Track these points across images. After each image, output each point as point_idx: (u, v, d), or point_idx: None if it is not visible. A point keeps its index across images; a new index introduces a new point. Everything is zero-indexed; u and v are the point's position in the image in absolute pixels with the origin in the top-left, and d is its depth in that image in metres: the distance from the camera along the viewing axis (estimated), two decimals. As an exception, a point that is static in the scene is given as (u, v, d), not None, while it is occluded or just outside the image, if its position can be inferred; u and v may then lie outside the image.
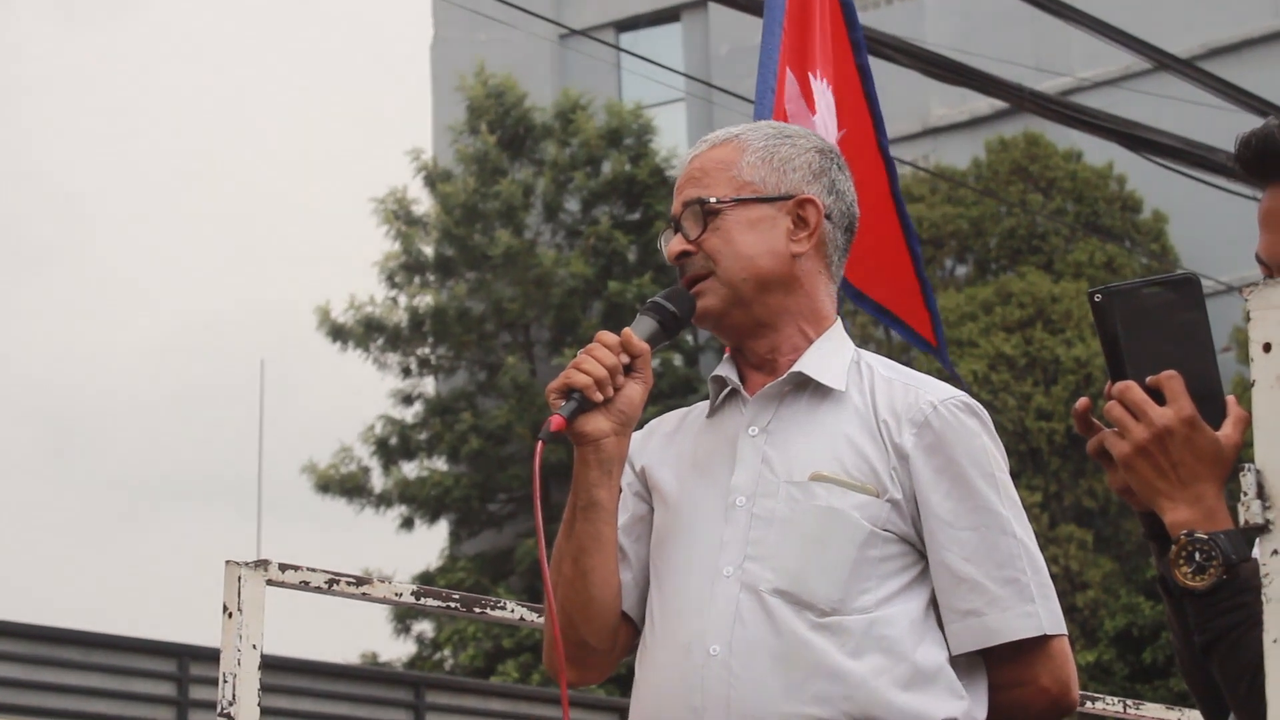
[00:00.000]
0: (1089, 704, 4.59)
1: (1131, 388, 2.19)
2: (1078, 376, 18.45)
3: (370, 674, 16.33)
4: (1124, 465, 2.20)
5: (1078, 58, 21.35)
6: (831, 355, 2.84)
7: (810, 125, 4.99)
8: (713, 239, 2.83)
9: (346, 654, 24.46)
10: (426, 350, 23.76)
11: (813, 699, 2.64)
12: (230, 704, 3.27)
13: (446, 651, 21.87)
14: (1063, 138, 20.25)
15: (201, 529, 39.14)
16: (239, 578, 3.36)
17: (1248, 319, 1.91)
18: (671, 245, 2.88)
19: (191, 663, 12.70)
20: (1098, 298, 2.25)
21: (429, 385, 24.04)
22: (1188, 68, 11.73)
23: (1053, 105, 11.55)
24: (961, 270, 20.49)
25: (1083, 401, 2.27)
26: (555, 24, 18.99)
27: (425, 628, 22.78)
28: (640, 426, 2.94)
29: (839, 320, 2.92)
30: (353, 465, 23.17)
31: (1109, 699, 4.69)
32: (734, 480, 2.78)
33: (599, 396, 2.74)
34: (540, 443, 2.70)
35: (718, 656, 2.68)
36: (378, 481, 23.17)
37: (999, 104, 22.34)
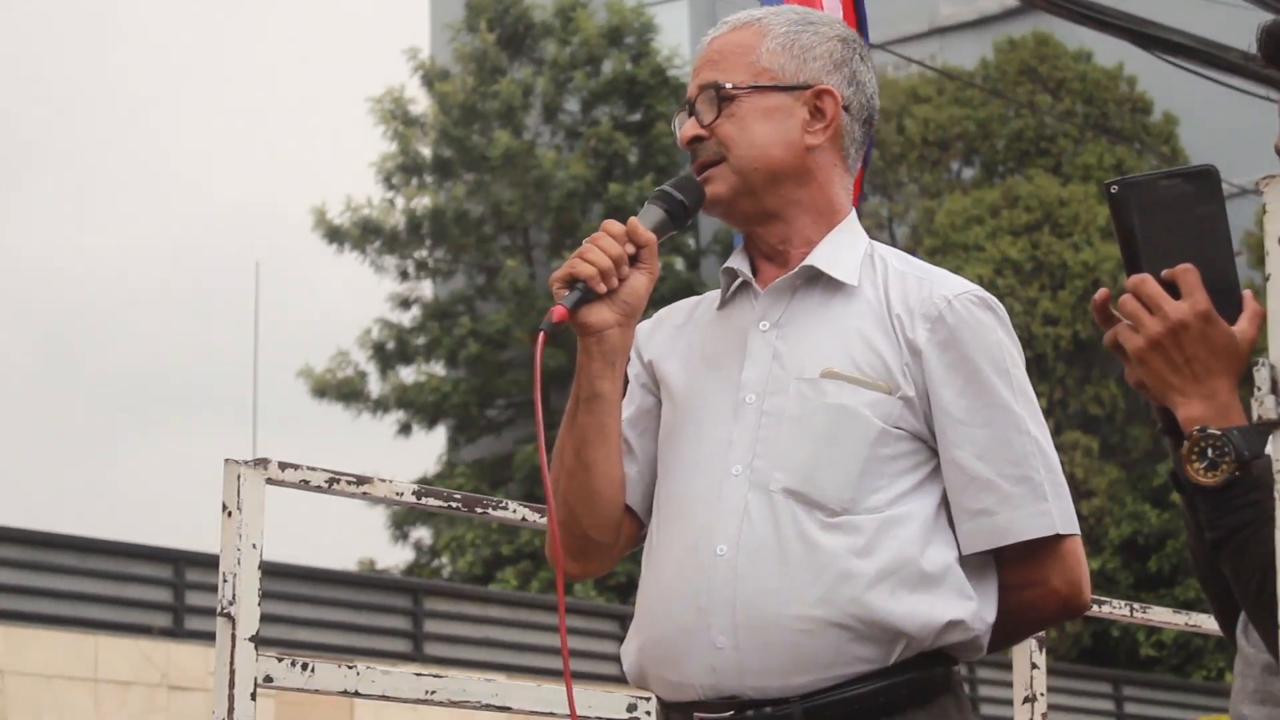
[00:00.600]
0: (1097, 607, 4.57)
1: (1146, 280, 2.14)
2: (1085, 281, 18.29)
3: (369, 580, 16.28)
4: (1138, 359, 2.16)
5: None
6: (844, 248, 2.78)
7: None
8: (726, 125, 2.77)
9: (344, 560, 24.41)
10: (424, 253, 23.62)
11: (819, 600, 2.60)
12: (230, 603, 3.25)
13: (445, 558, 21.84)
14: (1072, 37, 20.00)
15: (197, 434, 39.15)
16: (238, 476, 3.32)
17: (1264, 211, 1.87)
18: (685, 129, 2.80)
19: (188, 568, 12.62)
20: (1114, 189, 2.17)
21: (427, 289, 23.91)
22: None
23: (1062, 2, 11.29)
24: (968, 173, 20.30)
25: (1101, 292, 2.19)
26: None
27: (423, 534, 22.74)
28: (648, 317, 2.89)
29: (853, 212, 2.86)
30: (349, 370, 23.08)
31: (1116, 602, 4.66)
32: (744, 376, 2.73)
33: (603, 287, 2.66)
34: (542, 333, 2.62)
35: (725, 556, 2.64)
36: (375, 386, 23.11)
37: (1008, 2, 22.08)
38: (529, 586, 20.00)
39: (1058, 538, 2.66)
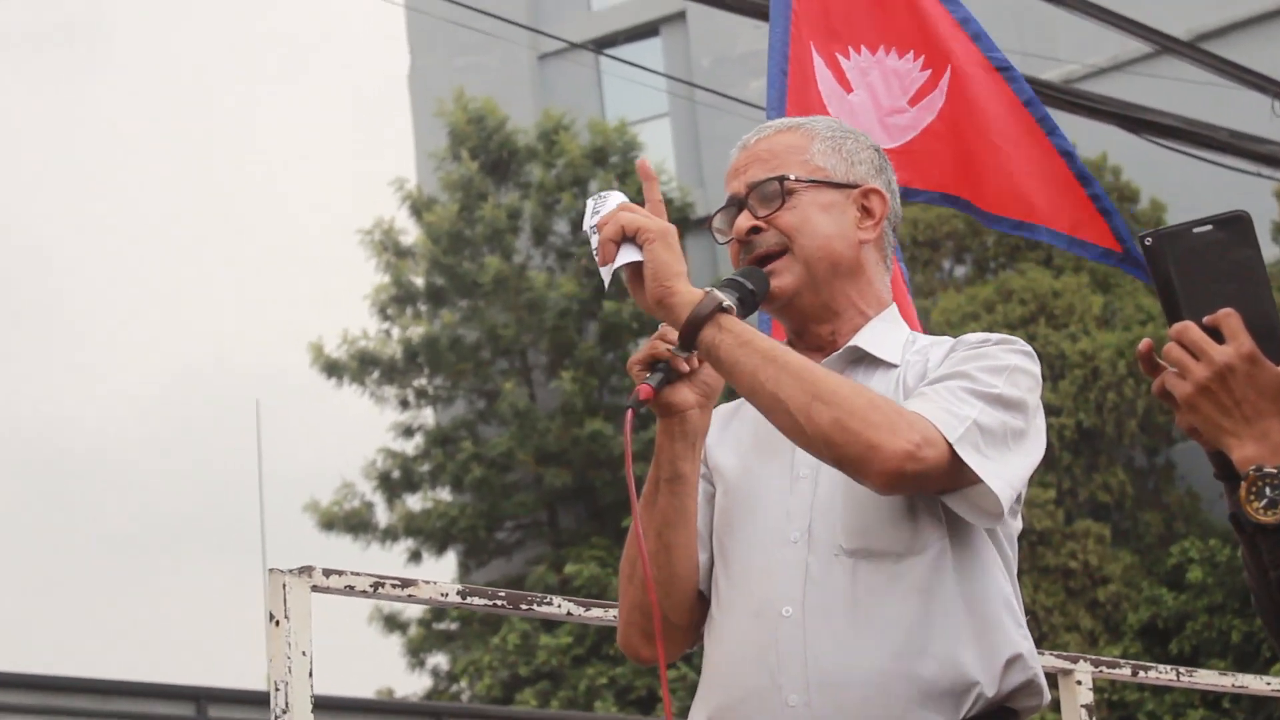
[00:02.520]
0: (1142, 674, 4.55)
1: (1189, 328, 2.18)
2: (1085, 370, 18.31)
3: (391, 707, 16.16)
4: (1187, 405, 2.19)
5: (1064, 48, 21.24)
6: (887, 334, 2.88)
7: (847, 105, 4.93)
8: (788, 216, 2.86)
9: (361, 690, 24.20)
10: (423, 381, 23.63)
11: (890, 654, 2.64)
12: (284, 712, 3.19)
13: (463, 683, 21.70)
14: (1054, 131, 20.13)
15: (207, 575, 38.95)
16: (284, 585, 3.28)
17: None
18: (740, 221, 2.88)
19: (210, 704, 12.53)
20: (1148, 241, 2.24)
21: (428, 416, 23.91)
22: (1187, 48, 11.60)
23: (1050, 91, 11.38)
24: (960, 271, 20.37)
25: (1145, 343, 2.26)
26: (537, 33, 18.83)
27: (440, 660, 22.61)
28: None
29: (894, 306, 2.96)
30: (356, 501, 23.03)
31: (1162, 667, 4.64)
32: (797, 455, 2.78)
33: (685, 367, 2.74)
34: (631, 411, 2.67)
35: (790, 616, 2.68)
36: (382, 516, 23.05)
37: (987, 100, 22.22)
38: (549, 706, 19.86)
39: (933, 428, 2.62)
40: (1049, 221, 5.07)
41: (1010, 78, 5.15)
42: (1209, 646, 17.18)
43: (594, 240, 2.67)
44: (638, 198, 2.78)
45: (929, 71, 5.01)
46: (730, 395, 2.89)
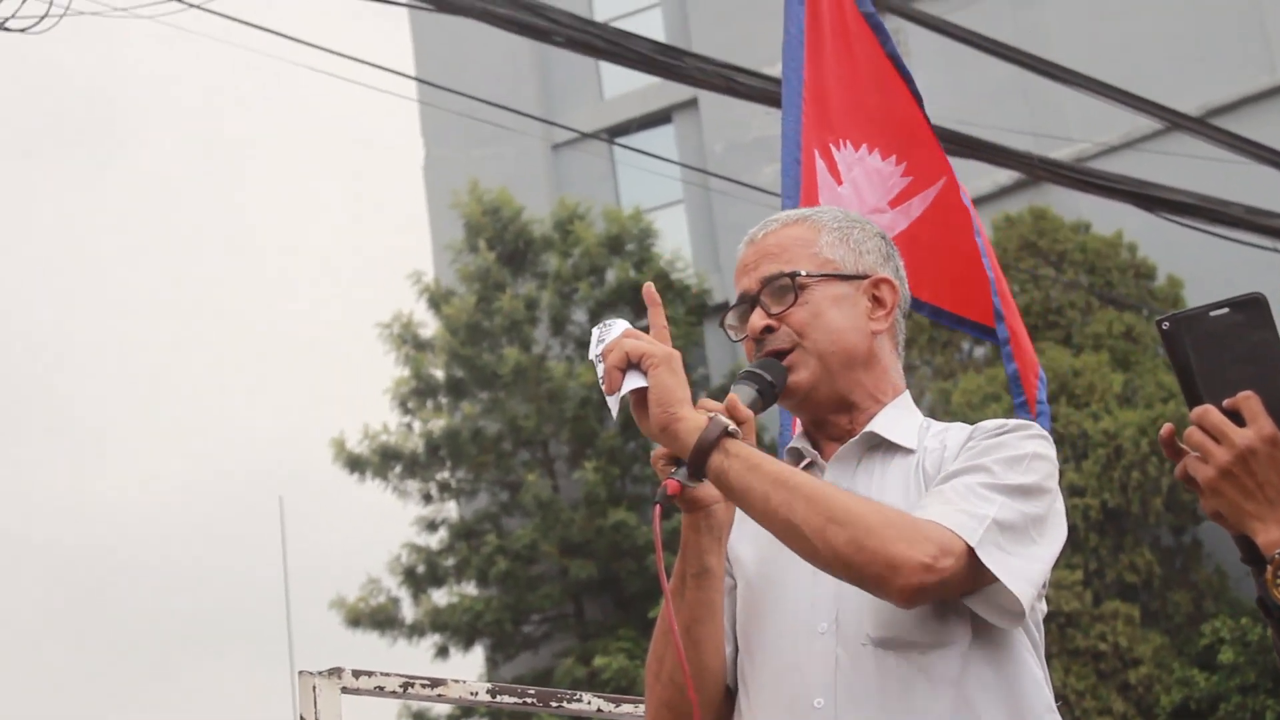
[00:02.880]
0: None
1: (1209, 411, 2.18)
2: (1107, 449, 18.23)
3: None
4: (1209, 490, 2.18)
5: (1074, 126, 21.30)
6: (901, 419, 2.89)
7: (836, 196, 5.01)
8: (800, 313, 2.87)
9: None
10: (446, 474, 23.59)
11: None
12: None
13: (495, 785, 21.55)
14: (1069, 210, 20.16)
15: (233, 672, 38.84)
16: (314, 687, 3.26)
17: None
18: (754, 320, 2.90)
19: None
20: (1165, 325, 2.25)
21: (451, 509, 23.86)
22: (1199, 124, 11.63)
23: (1065, 171, 11.42)
24: (980, 351, 20.36)
25: (1167, 428, 2.25)
26: (549, 124, 18.90)
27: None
28: None
29: (907, 392, 2.97)
30: (381, 597, 22.96)
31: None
32: None
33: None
34: (658, 505, 2.68)
35: (822, 708, 2.68)
36: (408, 611, 22.96)
37: (1001, 181, 22.27)
38: (577, 802, 19.74)
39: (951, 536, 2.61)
40: (940, 302, 5.29)
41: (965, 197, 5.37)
42: (1242, 726, 17.04)
43: (599, 368, 2.69)
44: (654, 283, 2.80)
45: (909, 179, 5.10)
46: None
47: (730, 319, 2.95)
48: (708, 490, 2.74)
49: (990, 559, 2.58)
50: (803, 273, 2.87)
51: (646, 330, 2.77)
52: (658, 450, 2.72)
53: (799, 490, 2.57)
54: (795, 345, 2.86)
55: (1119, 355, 19.33)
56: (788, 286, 2.87)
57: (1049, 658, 17.20)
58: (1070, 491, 17.76)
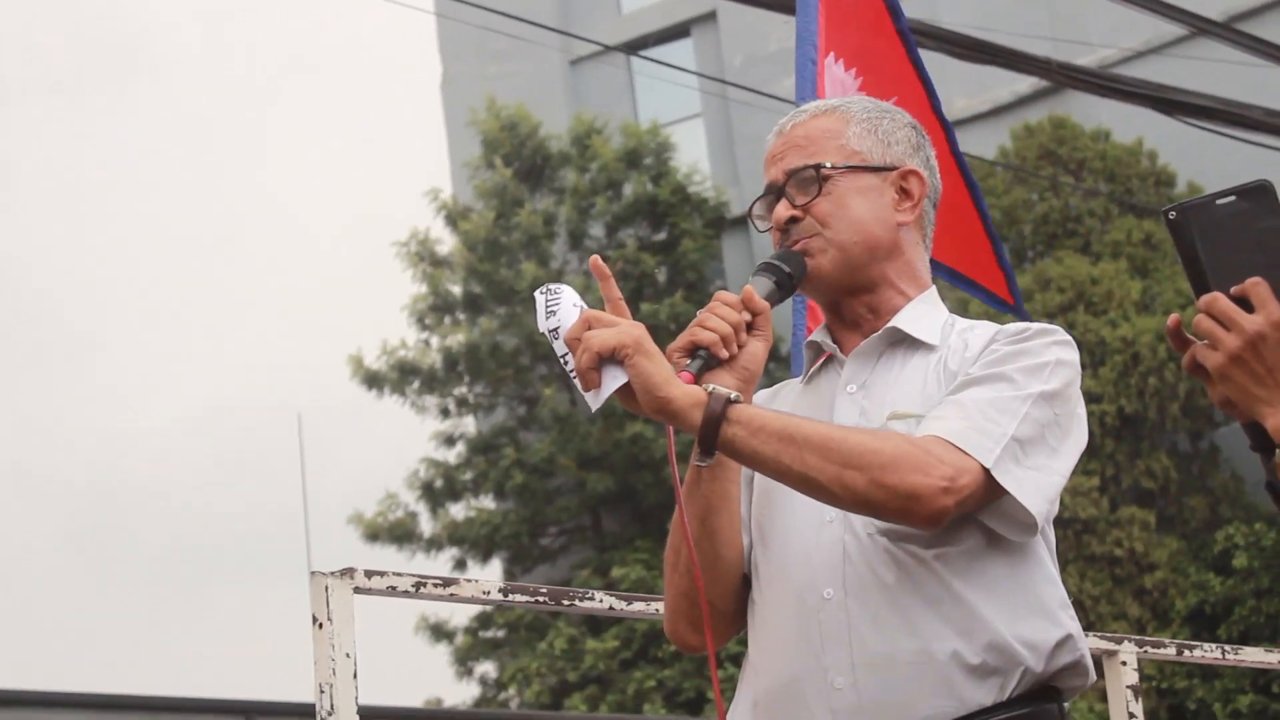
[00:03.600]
0: (1186, 653, 4.56)
1: (1218, 298, 2.17)
2: (1125, 357, 18.21)
3: (440, 715, 16.15)
4: (1219, 376, 2.18)
5: (1095, 33, 21.16)
6: (926, 316, 2.87)
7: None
8: (824, 203, 2.86)
9: (410, 701, 24.24)
10: (464, 389, 23.63)
11: (934, 633, 2.64)
12: (330, 714, 3.20)
13: (511, 691, 21.69)
14: (1089, 118, 20.05)
15: (254, 590, 39.05)
16: (326, 587, 3.28)
17: None
18: (778, 210, 2.89)
19: (259, 718, 12.53)
20: (1172, 215, 2.24)
21: (469, 424, 23.90)
22: (1222, 29, 11.54)
23: (1083, 76, 11.35)
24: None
25: (1174, 318, 2.25)
26: (567, 37, 18.78)
27: (488, 669, 22.61)
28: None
29: (934, 287, 2.96)
30: (399, 511, 23.04)
31: (1207, 646, 4.63)
32: None
33: (724, 353, 2.71)
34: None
35: (832, 599, 2.68)
36: (426, 526, 23.04)
37: (1020, 90, 22.15)
38: (598, 711, 19.85)
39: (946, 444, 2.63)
40: (957, 265, 5.30)
41: (950, 136, 5.34)
42: (1257, 631, 17.07)
43: (557, 346, 2.67)
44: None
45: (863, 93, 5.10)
46: (767, 379, 2.88)
47: (757, 209, 2.94)
48: (721, 381, 2.72)
49: (1007, 478, 2.61)
50: (827, 164, 2.86)
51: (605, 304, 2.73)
52: (673, 344, 2.71)
53: (808, 443, 2.58)
54: (817, 235, 2.85)
55: (1137, 263, 19.28)
56: (812, 178, 2.86)
57: (1065, 563, 17.25)
58: (1087, 398, 17.72)
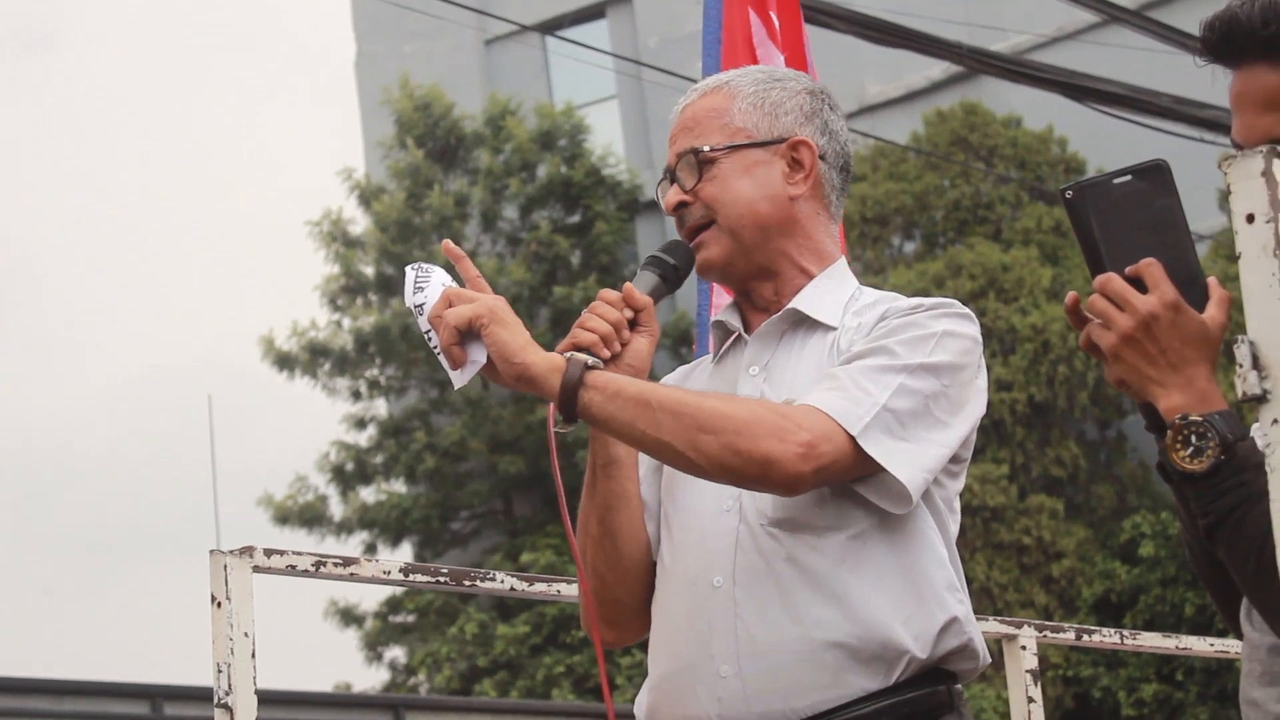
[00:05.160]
0: (1086, 638, 4.58)
1: (1112, 279, 2.18)
2: (1035, 344, 18.32)
3: (349, 700, 16.06)
4: (1112, 356, 2.19)
5: (1010, 20, 21.26)
6: (828, 293, 2.82)
7: (778, 63, 4.94)
8: (709, 187, 2.82)
9: (319, 686, 24.15)
10: (375, 371, 23.53)
11: (816, 622, 2.63)
12: (227, 693, 3.15)
13: (421, 676, 21.64)
14: (1001, 105, 20.15)
15: (162, 572, 38.80)
16: (225, 566, 3.24)
17: (1228, 191, 1.90)
18: (668, 196, 2.86)
19: (165, 702, 12.42)
20: (1069, 194, 2.24)
21: (381, 407, 23.81)
22: (1135, 16, 11.60)
23: (993, 61, 11.39)
24: (909, 246, 20.38)
25: (1071, 296, 2.24)
26: (484, 16, 18.69)
27: (397, 654, 22.54)
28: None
29: (842, 259, 2.89)
30: (310, 494, 22.92)
31: (1106, 631, 4.66)
32: None
33: (606, 352, 2.69)
34: (554, 404, 2.62)
35: (721, 587, 2.68)
36: (336, 509, 22.95)
37: (934, 76, 22.23)
38: (508, 696, 19.83)
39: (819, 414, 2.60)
40: None
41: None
42: (1162, 620, 17.21)
43: (421, 323, 2.63)
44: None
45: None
46: (662, 368, 2.85)
47: (659, 192, 2.91)
48: None
49: (875, 447, 2.57)
50: (706, 148, 2.81)
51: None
52: (558, 345, 2.67)
53: (663, 407, 2.54)
54: (709, 220, 2.81)
55: (1048, 250, 19.39)
56: (693, 163, 2.82)
57: (973, 551, 17.33)
58: (997, 386, 17.88)
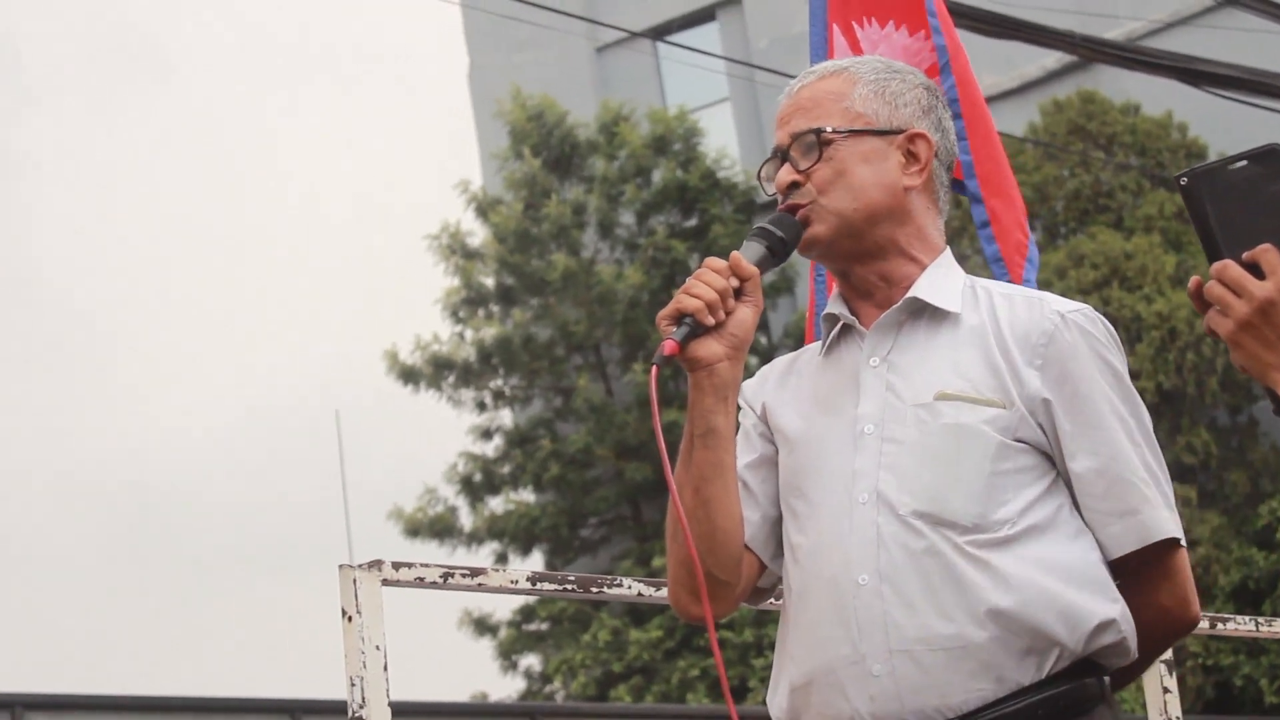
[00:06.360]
0: (1220, 625, 4.53)
1: (1229, 265, 2.16)
2: (1161, 331, 18.12)
3: (486, 710, 16.16)
4: (1231, 343, 2.18)
5: (1122, 6, 21.06)
6: (944, 280, 2.82)
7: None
8: (825, 169, 2.81)
9: (455, 696, 24.26)
10: (499, 382, 23.64)
11: (968, 617, 2.61)
12: (361, 706, 3.19)
13: (556, 683, 21.70)
14: (1118, 92, 19.95)
15: (297, 588, 39.18)
16: (354, 580, 3.26)
17: None
18: (780, 175, 2.83)
19: (304, 716, 12.55)
20: (1184, 181, 2.22)
21: (506, 417, 23.92)
22: None
23: (1106, 49, 11.30)
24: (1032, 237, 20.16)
25: (1194, 280, 2.23)
26: (593, 24, 18.75)
27: (532, 662, 22.62)
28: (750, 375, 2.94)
29: (948, 250, 2.89)
30: (439, 506, 23.06)
31: (1240, 619, 4.60)
32: (860, 410, 2.75)
33: (710, 320, 2.69)
34: (655, 367, 2.67)
35: (867, 585, 2.65)
36: (466, 520, 23.07)
37: (1049, 66, 22.04)
38: (643, 701, 19.85)
39: (1175, 547, 2.69)
40: (1000, 227, 5.17)
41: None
42: (1304, 604, 17.00)
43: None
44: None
45: (935, 54, 5.03)
46: (758, 353, 2.84)
47: (765, 171, 2.87)
48: (708, 348, 2.70)
49: (1179, 530, 2.71)
50: (828, 129, 2.80)
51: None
52: (661, 312, 2.69)
53: None
54: (815, 201, 2.80)
55: (1171, 237, 19.17)
56: (813, 143, 2.80)
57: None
58: (1125, 375, 17.68)
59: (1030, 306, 2.76)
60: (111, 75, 53.12)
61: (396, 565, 3.34)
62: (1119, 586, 2.69)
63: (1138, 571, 2.70)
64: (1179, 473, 18.27)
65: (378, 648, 3.25)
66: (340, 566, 3.33)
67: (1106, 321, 2.77)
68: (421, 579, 3.38)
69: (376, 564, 3.33)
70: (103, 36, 52.56)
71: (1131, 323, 18.09)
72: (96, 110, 51.17)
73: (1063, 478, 2.72)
